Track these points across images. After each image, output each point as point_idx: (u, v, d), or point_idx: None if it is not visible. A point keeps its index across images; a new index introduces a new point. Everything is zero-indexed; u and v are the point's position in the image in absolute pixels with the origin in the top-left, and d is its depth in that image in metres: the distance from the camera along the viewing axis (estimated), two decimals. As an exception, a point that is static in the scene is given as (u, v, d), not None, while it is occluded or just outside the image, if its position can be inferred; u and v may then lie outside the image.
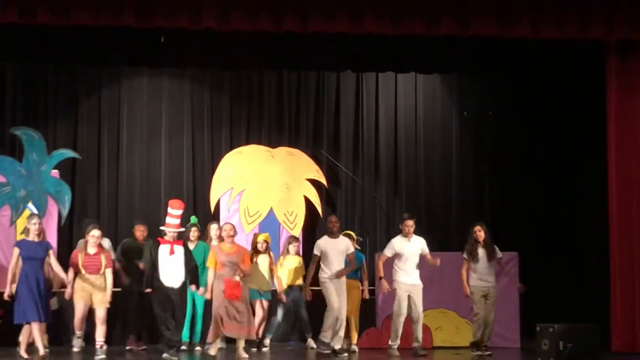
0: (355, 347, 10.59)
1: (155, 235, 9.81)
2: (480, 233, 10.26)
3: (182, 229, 9.80)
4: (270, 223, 12.15)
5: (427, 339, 10.87)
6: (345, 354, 10.05)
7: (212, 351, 9.72)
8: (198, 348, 10.57)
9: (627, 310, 10.51)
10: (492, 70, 12.60)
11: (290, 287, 10.79)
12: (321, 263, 10.14)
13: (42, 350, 9.40)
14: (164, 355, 9.50)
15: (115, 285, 9.96)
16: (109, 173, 12.27)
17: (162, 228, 9.69)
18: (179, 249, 9.61)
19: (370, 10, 10.16)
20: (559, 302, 12.00)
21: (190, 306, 10.57)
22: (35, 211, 10.72)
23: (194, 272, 9.70)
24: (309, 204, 12.36)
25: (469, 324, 10.72)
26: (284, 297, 10.73)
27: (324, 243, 10.21)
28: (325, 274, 10.09)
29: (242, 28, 10.17)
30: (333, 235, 10.26)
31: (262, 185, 12.32)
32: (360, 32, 10.33)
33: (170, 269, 9.54)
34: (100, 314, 9.71)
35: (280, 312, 10.83)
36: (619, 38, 10.49)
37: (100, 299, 9.69)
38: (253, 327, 9.84)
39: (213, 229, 10.74)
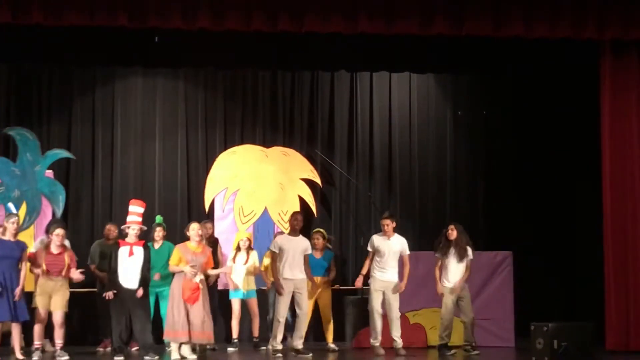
0: (333, 346, 10.61)
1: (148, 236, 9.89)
2: (452, 232, 10.39)
3: (144, 227, 9.82)
4: (264, 223, 12.15)
5: (421, 338, 10.91)
6: (310, 354, 9.95)
7: (175, 354, 9.55)
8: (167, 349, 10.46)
9: (621, 308, 10.54)
10: (486, 70, 12.62)
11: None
12: (278, 262, 10.02)
13: (17, 352, 9.39)
14: (115, 358, 9.58)
15: (88, 285, 9.93)
16: (103, 173, 12.24)
17: (122, 227, 9.79)
18: (139, 250, 9.65)
19: (364, 10, 10.18)
20: (553, 301, 12.02)
21: (152, 307, 10.51)
22: (14, 210, 10.68)
23: (145, 277, 9.65)
24: (303, 203, 12.35)
25: (462, 323, 10.72)
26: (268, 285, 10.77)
27: (282, 241, 10.10)
28: (281, 276, 9.99)
29: (236, 28, 10.18)
30: (295, 233, 10.14)
31: (257, 185, 12.32)
32: (354, 32, 10.34)
33: (129, 271, 9.58)
34: (58, 317, 9.55)
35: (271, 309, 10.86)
36: (613, 38, 10.52)
37: (59, 302, 9.54)
38: (209, 332, 9.63)
39: (206, 228, 10.82)
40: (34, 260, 9.63)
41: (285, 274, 9.95)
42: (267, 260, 10.75)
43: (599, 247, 10.83)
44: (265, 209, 12.27)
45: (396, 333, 10.26)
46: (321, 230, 11.04)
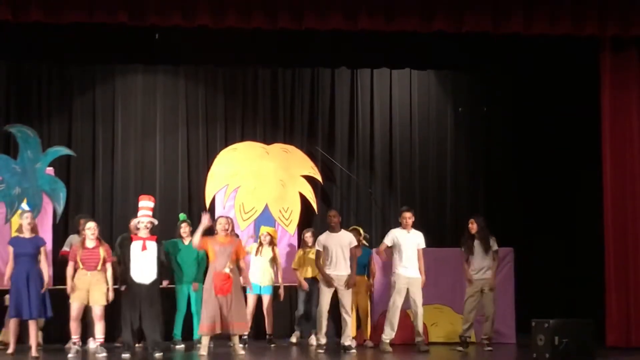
0: (370, 343, 10.68)
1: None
2: (472, 225, 10.47)
3: (154, 220, 9.85)
4: (265, 220, 12.13)
5: (423, 335, 10.90)
6: (354, 350, 10.07)
7: (203, 351, 9.65)
8: (181, 346, 10.61)
9: (622, 305, 10.56)
10: (486, 67, 12.61)
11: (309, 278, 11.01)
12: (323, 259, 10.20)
13: (34, 350, 9.40)
14: (123, 355, 9.53)
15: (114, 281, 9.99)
16: (103, 170, 12.24)
17: (134, 221, 9.82)
18: (152, 245, 9.64)
19: (364, 6, 10.18)
20: (554, 298, 12.02)
21: (185, 303, 10.66)
22: (28, 208, 10.72)
23: (164, 269, 9.75)
24: (304, 200, 12.36)
25: (482, 317, 10.70)
26: (305, 285, 10.93)
27: (324, 238, 10.26)
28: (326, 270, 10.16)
29: (236, 25, 10.18)
30: (333, 229, 10.30)
31: (257, 181, 12.32)
32: (354, 29, 10.34)
33: (142, 266, 9.57)
34: (98, 311, 9.63)
35: (301, 305, 11.03)
36: (613, 34, 10.52)
37: (98, 297, 9.59)
38: (247, 322, 9.84)
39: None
40: (71, 258, 9.67)
41: (330, 271, 10.11)
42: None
43: (600, 244, 10.84)
44: (266, 206, 12.27)
45: (420, 329, 10.33)
46: (357, 227, 11.05)
